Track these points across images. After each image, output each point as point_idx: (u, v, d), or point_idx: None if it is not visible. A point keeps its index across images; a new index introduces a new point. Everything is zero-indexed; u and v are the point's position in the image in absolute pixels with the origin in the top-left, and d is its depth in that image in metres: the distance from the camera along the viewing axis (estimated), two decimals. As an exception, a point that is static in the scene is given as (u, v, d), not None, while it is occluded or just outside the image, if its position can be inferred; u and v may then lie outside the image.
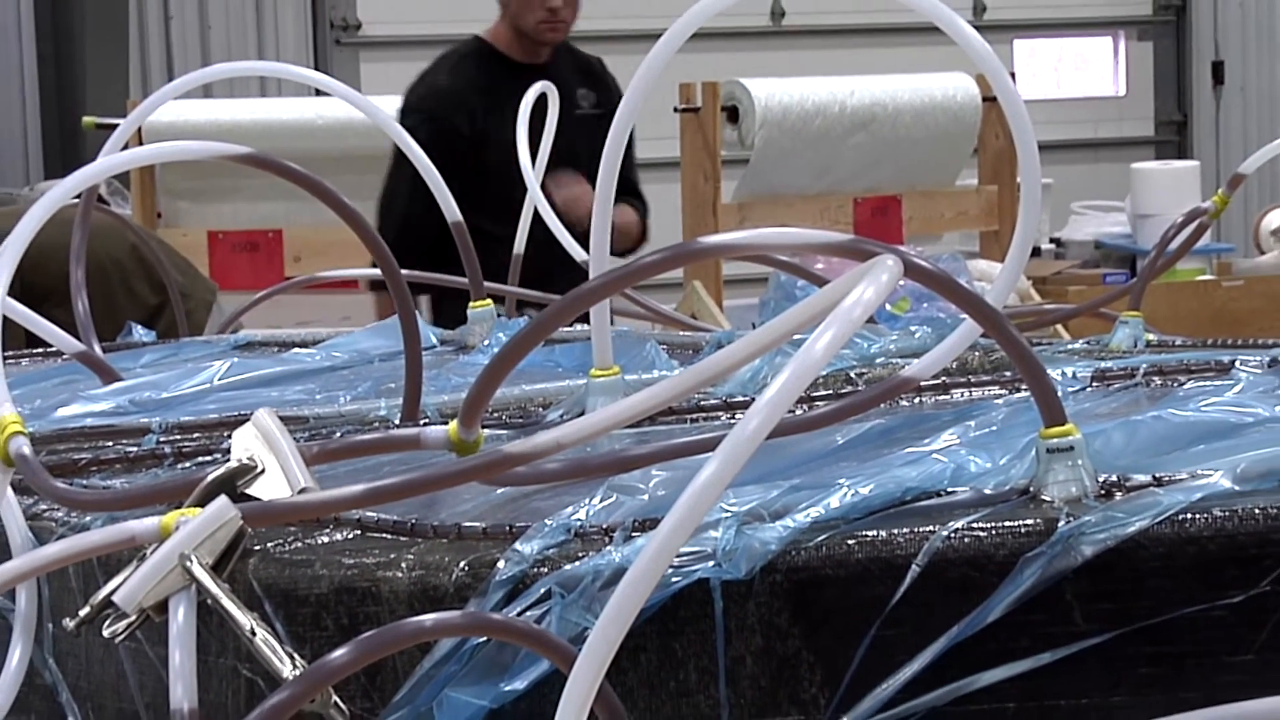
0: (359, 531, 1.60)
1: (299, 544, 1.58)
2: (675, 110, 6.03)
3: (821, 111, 6.01)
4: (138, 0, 12.30)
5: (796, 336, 1.36)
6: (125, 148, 2.42)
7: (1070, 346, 2.54)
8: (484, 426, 1.67)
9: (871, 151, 6.07)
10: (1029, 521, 1.43)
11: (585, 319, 2.00)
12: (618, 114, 1.86)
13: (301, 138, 5.93)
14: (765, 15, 12.63)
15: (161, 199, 6.12)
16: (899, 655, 1.41)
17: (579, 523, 1.50)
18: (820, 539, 1.44)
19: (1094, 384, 2.13)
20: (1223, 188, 2.68)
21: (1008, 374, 2.16)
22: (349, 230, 2.03)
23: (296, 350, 2.76)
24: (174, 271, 3.76)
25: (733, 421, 2.00)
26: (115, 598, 1.49)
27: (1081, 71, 14.17)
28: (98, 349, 2.54)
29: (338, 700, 1.40)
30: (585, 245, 2.86)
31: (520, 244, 3.43)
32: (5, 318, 1.79)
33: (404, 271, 2.10)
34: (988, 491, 1.51)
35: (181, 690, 1.45)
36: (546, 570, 1.45)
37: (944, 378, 2.10)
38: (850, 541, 1.44)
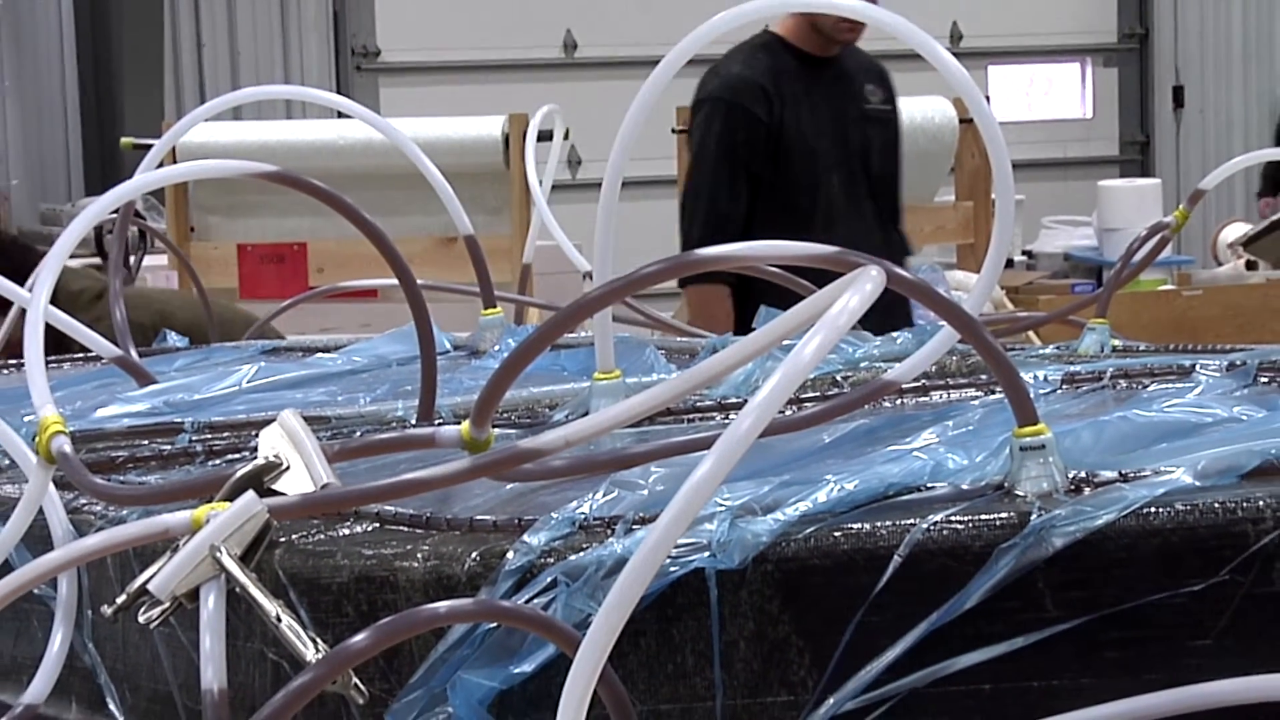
0: (378, 524, 1.60)
1: (321, 536, 1.58)
2: (673, 131, 6.03)
3: (809, 132, 6.01)
4: (172, 29, 12.31)
5: (786, 342, 1.36)
6: (160, 166, 2.42)
7: (1041, 351, 2.54)
8: (494, 426, 1.67)
9: (856, 170, 6.07)
10: (1003, 515, 1.43)
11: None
12: (620, 134, 1.85)
13: (325, 157, 5.93)
14: (757, 43, 12.61)
15: (194, 214, 6.12)
16: (882, 639, 1.41)
17: (583, 516, 1.50)
18: (809, 531, 1.44)
19: (1064, 386, 2.13)
20: (1183, 204, 2.68)
21: (983, 377, 2.15)
22: (369, 243, 2.03)
23: (319, 355, 2.76)
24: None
25: (727, 422, 2.00)
26: (150, 586, 1.49)
27: (1051, 95, 14.19)
28: (134, 354, 2.54)
29: (358, 682, 1.39)
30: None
31: (530, 253, 3.42)
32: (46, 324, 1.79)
33: (420, 281, 2.10)
34: (965, 487, 1.51)
35: (211, 672, 1.44)
36: (553, 560, 1.45)
37: (924, 381, 2.10)
38: (836, 533, 1.43)
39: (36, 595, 1.74)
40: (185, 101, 12.02)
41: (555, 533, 1.48)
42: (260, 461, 1.61)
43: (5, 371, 2.91)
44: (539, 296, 3.59)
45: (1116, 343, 2.55)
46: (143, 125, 10.42)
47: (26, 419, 1.80)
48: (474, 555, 1.48)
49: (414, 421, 2.09)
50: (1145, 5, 14.26)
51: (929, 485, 1.51)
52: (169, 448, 2.04)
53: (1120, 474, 1.49)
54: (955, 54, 1.78)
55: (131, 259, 4.30)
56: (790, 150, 5.26)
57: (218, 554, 1.48)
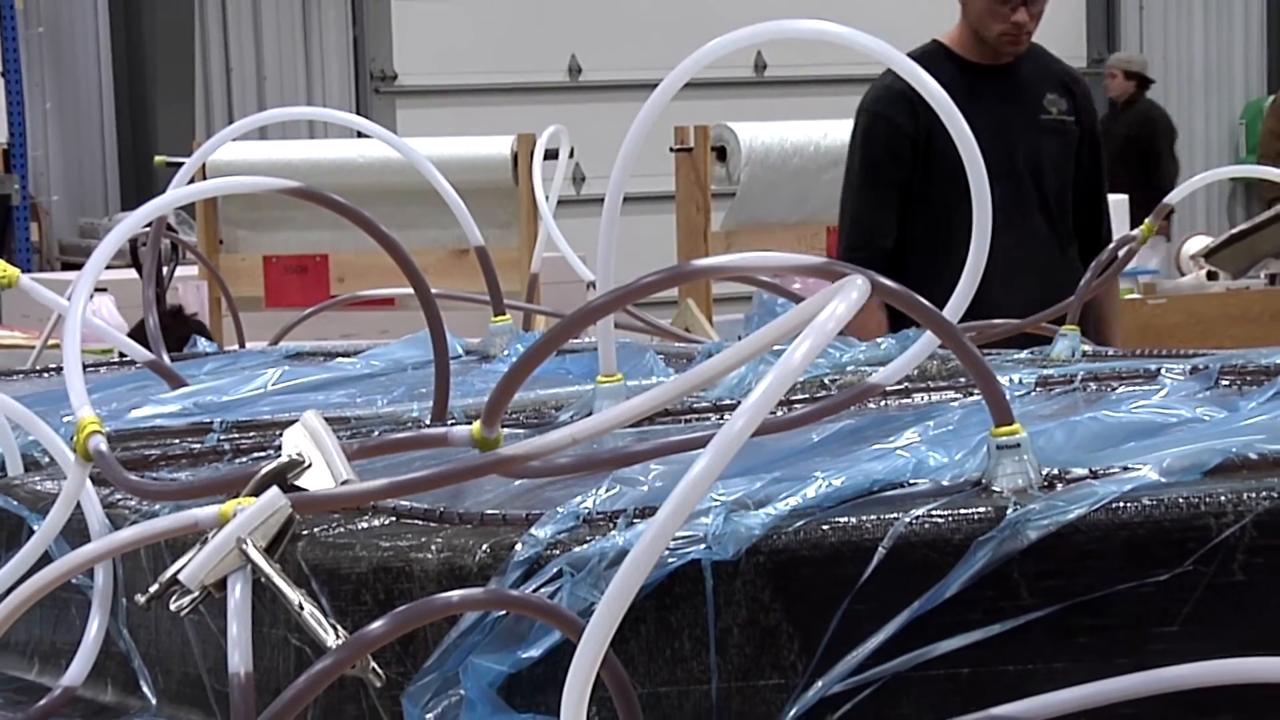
0: (394, 518, 1.60)
1: (341, 529, 1.58)
2: (671, 150, 6.03)
3: (799, 151, 6.01)
4: (202, 54, 12.32)
5: (777, 347, 1.36)
6: (191, 182, 2.42)
7: (1016, 356, 2.54)
8: (503, 426, 1.67)
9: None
10: (981, 509, 1.43)
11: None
12: (621, 152, 1.85)
13: (345, 174, 5.93)
14: (749, 67, 12.64)
15: (223, 227, 6.12)
16: (867, 626, 1.41)
17: (587, 511, 1.49)
18: (798, 524, 1.43)
19: (1037, 389, 2.13)
20: (1149, 218, 2.67)
21: (962, 380, 2.15)
22: (387, 255, 2.03)
23: (340, 359, 2.76)
24: None
25: (721, 422, 1.99)
26: (181, 576, 1.49)
27: (1025, 116, 14.14)
28: (166, 358, 2.54)
29: (375, 666, 1.39)
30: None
31: (537, 263, 3.41)
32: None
33: (434, 290, 2.10)
34: (945, 483, 1.50)
35: (238, 657, 1.44)
36: (558, 552, 1.45)
37: (906, 383, 2.10)
38: (825, 527, 1.43)
39: (74, 584, 1.74)
40: (214, 122, 12.03)
41: (561, 526, 1.47)
42: (284, 459, 1.61)
43: (45, 375, 2.91)
44: (545, 304, 3.58)
45: (1086, 348, 2.55)
46: (175, 144, 10.42)
47: (65, 419, 1.80)
48: (484, 547, 1.48)
49: (428, 422, 2.09)
50: (1112, 32, 14.27)
51: (911, 481, 1.51)
52: (198, 446, 2.04)
53: (1091, 471, 1.49)
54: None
55: (164, 270, 4.29)
56: (940, 162, 4.79)
57: (244, 546, 1.48)
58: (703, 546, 1.42)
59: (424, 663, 1.45)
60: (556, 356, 2.40)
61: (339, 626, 1.44)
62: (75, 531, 1.73)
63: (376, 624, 1.33)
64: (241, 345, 3.44)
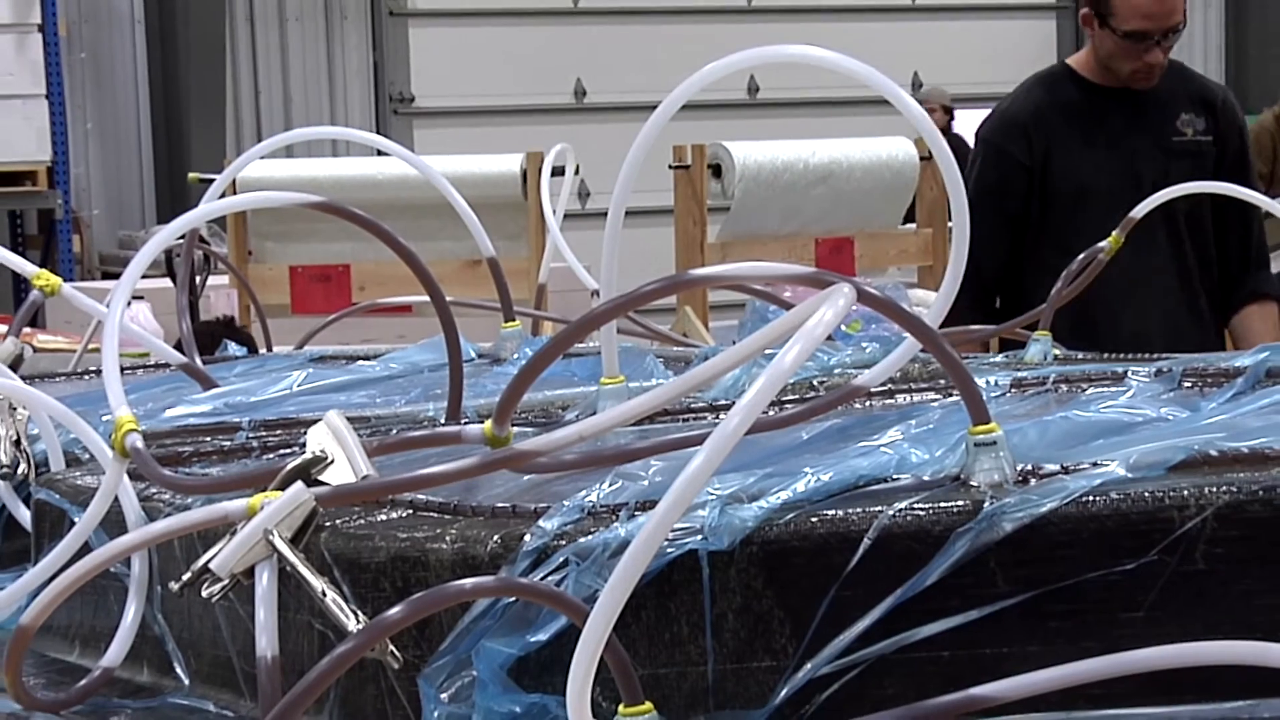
0: (411, 511, 1.59)
1: (362, 521, 1.57)
2: (669, 167, 6.02)
3: (789, 168, 6.00)
4: (233, 78, 12.32)
5: (768, 351, 1.36)
6: (221, 197, 2.42)
7: (992, 360, 2.54)
8: (513, 425, 1.66)
9: (830, 201, 6.06)
10: (960, 503, 1.43)
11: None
12: (623, 169, 1.85)
13: (365, 189, 5.91)
14: (743, 90, 12.64)
15: (252, 239, 6.11)
16: (853, 612, 1.41)
17: (591, 504, 1.49)
18: (789, 517, 1.43)
19: (1012, 390, 2.13)
20: (1116, 230, 2.67)
21: (942, 382, 2.15)
22: (404, 265, 2.02)
23: (360, 363, 2.75)
24: None
25: (717, 421, 1.99)
26: (212, 565, 1.49)
27: (1000, 136, 14.15)
28: (198, 362, 2.54)
29: (393, 649, 1.39)
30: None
31: (545, 273, 3.40)
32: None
33: (448, 298, 2.09)
34: (926, 478, 1.50)
35: (265, 641, 1.44)
36: (565, 543, 1.44)
37: (890, 385, 2.10)
38: (813, 519, 1.43)
39: (113, 573, 1.74)
40: (244, 141, 12.04)
41: (567, 518, 1.47)
42: (308, 456, 1.60)
43: (86, 377, 2.90)
44: (552, 311, 3.58)
45: (1058, 352, 2.55)
46: (207, 162, 10.43)
47: (104, 419, 1.79)
48: (495, 538, 1.48)
49: (443, 421, 2.08)
50: (1082, 58, 14.27)
51: (894, 477, 1.51)
52: (228, 444, 2.03)
53: (1062, 467, 1.48)
54: (917, 100, 1.77)
55: (197, 279, 4.29)
56: (1057, 189, 4.41)
57: (271, 537, 1.48)
58: (699, 537, 1.42)
59: (439, 646, 1.45)
60: (563, 360, 2.40)
61: (359, 612, 1.44)
62: (113, 523, 1.73)
63: (394, 610, 1.32)
64: (269, 349, 3.44)
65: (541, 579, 1.43)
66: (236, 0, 12.45)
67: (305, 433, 1.69)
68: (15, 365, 2.24)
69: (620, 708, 1.37)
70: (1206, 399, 1.92)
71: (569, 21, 13.12)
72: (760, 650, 1.42)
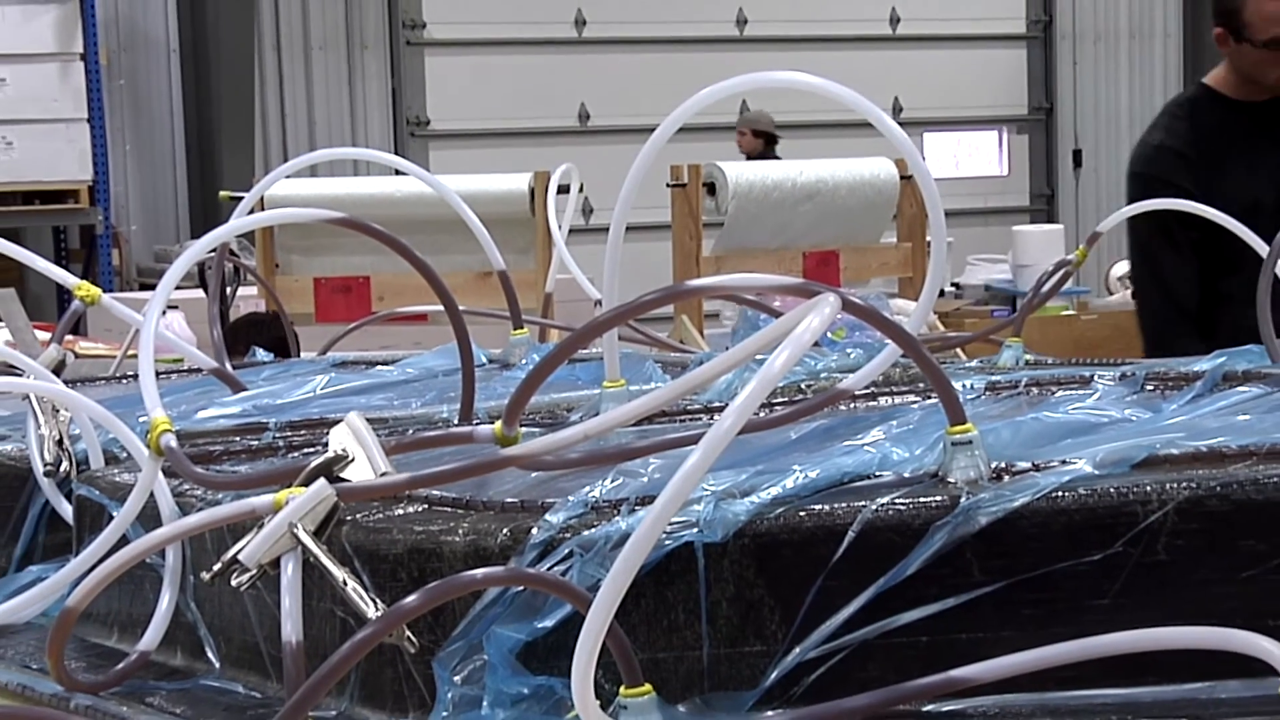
0: (426, 506, 1.59)
1: (380, 515, 1.57)
2: (667, 185, 6.02)
3: (779, 186, 6.00)
4: (261, 102, 12.33)
5: (759, 356, 1.35)
6: (250, 213, 2.41)
7: (968, 365, 2.53)
8: (522, 425, 1.66)
9: (816, 217, 6.06)
10: (938, 498, 1.42)
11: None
12: (624, 187, 1.84)
13: (384, 207, 5.91)
14: (736, 114, 12.63)
15: (279, 253, 6.11)
16: (839, 600, 1.40)
17: (594, 499, 1.49)
18: (779, 511, 1.43)
19: (987, 393, 2.12)
20: (1082, 244, 2.67)
21: (921, 385, 2.14)
22: (420, 277, 2.02)
23: (379, 367, 2.75)
24: None
25: (711, 422, 1.99)
26: (240, 556, 1.48)
27: (974, 157, 14.21)
28: (228, 366, 2.53)
29: (410, 635, 1.39)
30: None
31: (551, 284, 3.40)
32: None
33: (461, 307, 2.09)
34: (906, 475, 1.50)
35: (290, 627, 1.44)
36: (569, 535, 1.44)
37: (873, 388, 2.09)
38: (802, 513, 1.43)
39: (148, 563, 1.73)
40: (271, 161, 12.03)
41: (572, 513, 1.47)
42: (330, 454, 1.60)
43: (124, 381, 2.90)
44: (558, 320, 3.58)
45: (1029, 357, 2.54)
46: (237, 180, 10.42)
47: (140, 420, 1.79)
48: (505, 531, 1.47)
49: (456, 422, 2.08)
50: (1050, 84, 14.28)
51: (877, 474, 1.50)
52: (256, 443, 2.03)
53: (1033, 464, 1.48)
54: (898, 123, 1.77)
55: (228, 290, 4.29)
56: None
57: (295, 530, 1.47)
58: (695, 530, 1.41)
59: (452, 632, 1.45)
60: (568, 365, 2.39)
61: (378, 600, 1.43)
62: (149, 517, 1.72)
63: (411, 598, 1.32)
64: (296, 355, 3.43)
65: (548, 569, 1.42)
66: (265, 30, 12.45)
67: (328, 433, 1.69)
68: (58, 370, 2.23)
69: (621, 689, 1.36)
70: (1167, 401, 1.91)
71: (574, 50, 13.12)
72: (752, 635, 1.42)
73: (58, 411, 2.04)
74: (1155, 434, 1.58)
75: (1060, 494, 1.42)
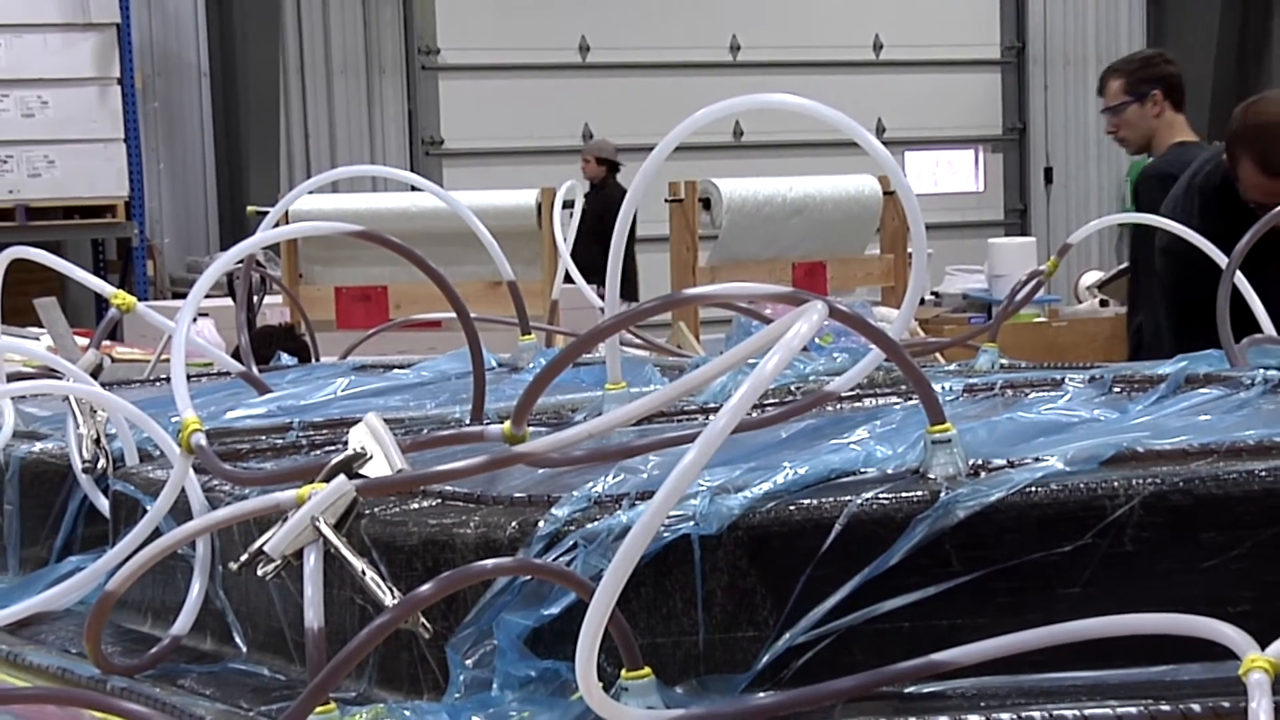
0: (440, 500, 1.59)
1: (397, 509, 1.57)
2: (665, 201, 6.02)
3: (769, 201, 6.00)
4: (286, 122, 12.33)
5: (751, 360, 1.35)
6: (276, 227, 2.41)
7: (947, 368, 2.53)
8: (529, 425, 1.66)
9: (805, 230, 6.05)
10: (919, 493, 1.42)
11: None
12: (625, 202, 1.84)
13: (401, 221, 5.90)
14: (729, 134, 12.64)
15: (302, 264, 6.10)
16: (826, 588, 1.40)
17: (597, 494, 1.48)
18: (770, 505, 1.42)
19: (965, 395, 2.12)
20: (1053, 256, 2.66)
21: (903, 387, 2.14)
22: (435, 286, 2.02)
23: (396, 371, 2.74)
24: None
25: (707, 422, 1.98)
26: (266, 547, 1.48)
27: (952, 174, 14.20)
28: (255, 370, 2.53)
29: (424, 621, 1.38)
30: None
31: (556, 292, 3.39)
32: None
33: (473, 315, 2.09)
34: (889, 471, 1.49)
35: (312, 614, 1.43)
36: (574, 528, 1.44)
37: (858, 390, 2.09)
38: (791, 507, 1.42)
39: (180, 554, 1.73)
40: (295, 177, 12.02)
41: (576, 507, 1.46)
42: (350, 452, 1.60)
43: (157, 384, 2.90)
44: (564, 326, 3.58)
45: (1004, 362, 2.54)
46: (263, 195, 10.43)
47: (172, 420, 1.79)
48: (514, 524, 1.47)
49: (468, 422, 2.08)
50: (1023, 106, 14.27)
51: (862, 470, 1.50)
52: (280, 442, 2.03)
53: (1008, 461, 1.48)
54: (880, 142, 1.77)
55: (254, 298, 4.29)
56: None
57: (317, 523, 1.47)
58: (692, 523, 1.41)
59: (464, 618, 1.44)
60: (573, 368, 2.39)
61: (394, 589, 1.43)
62: (180, 511, 1.72)
63: (425, 587, 1.32)
64: (317, 359, 3.43)
65: (554, 560, 1.42)
66: (289, 56, 12.45)
67: (347, 432, 1.69)
68: (96, 374, 2.23)
69: (622, 672, 1.36)
70: (1134, 402, 1.91)
71: (578, 75, 13.13)
72: (745, 622, 1.41)
73: (95, 412, 2.03)
74: (1122, 433, 1.57)
75: (1033, 489, 1.42)
